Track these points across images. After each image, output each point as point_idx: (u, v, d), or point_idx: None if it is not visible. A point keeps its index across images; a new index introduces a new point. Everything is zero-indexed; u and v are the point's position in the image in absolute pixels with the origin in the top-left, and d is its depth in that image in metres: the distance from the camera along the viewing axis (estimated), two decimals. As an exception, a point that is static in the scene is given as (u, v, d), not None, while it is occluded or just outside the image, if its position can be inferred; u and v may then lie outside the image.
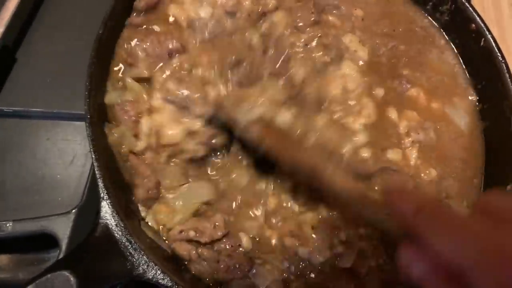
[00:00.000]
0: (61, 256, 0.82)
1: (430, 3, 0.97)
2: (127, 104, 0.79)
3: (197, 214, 0.78)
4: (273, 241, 0.78)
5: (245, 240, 0.77)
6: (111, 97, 0.81)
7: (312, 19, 0.91)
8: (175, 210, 0.77)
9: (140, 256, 0.69)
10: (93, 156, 0.72)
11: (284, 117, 0.77)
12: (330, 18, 0.94)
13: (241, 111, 0.75)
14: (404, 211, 0.54)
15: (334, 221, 0.78)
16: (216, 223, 0.75)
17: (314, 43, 0.89)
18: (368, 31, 0.94)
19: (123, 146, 0.79)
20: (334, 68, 0.88)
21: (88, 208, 0.88)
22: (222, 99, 0.77)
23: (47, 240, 0.85)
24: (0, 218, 0.84)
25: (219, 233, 0.75)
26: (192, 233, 0.75)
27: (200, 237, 0.75)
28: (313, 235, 0.77)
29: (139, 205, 0.79)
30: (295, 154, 0.74)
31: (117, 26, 0.83)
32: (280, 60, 0.84)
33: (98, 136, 0.74)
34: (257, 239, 0.78)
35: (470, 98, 0.92)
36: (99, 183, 0.71)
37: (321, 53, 0.88)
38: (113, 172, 0.77)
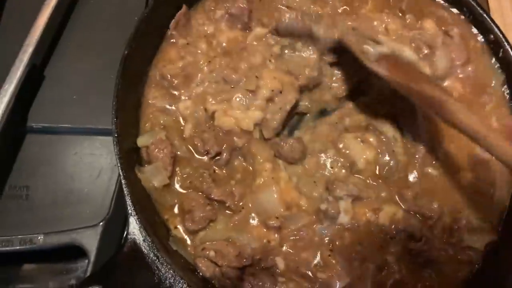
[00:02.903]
0: (89, 266, 0.85)
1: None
2: (161, 143, 0.80)
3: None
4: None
5: (280, 262, 0.78)
6: (143, 139, 0.82)
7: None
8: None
9: (167, 270, 0.71)
10: (121, 174, 0.74)
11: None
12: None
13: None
14: None
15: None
16: (240, 252, 0.76)
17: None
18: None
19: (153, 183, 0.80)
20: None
21: (115, 220, 0.91)
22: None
23: (76, 250, 0.87)
24: (31, 231, 0.86)
25: (235, 263, 0.75)
26: (212, 254, 0.75)
27: (218, 259, 0.75)
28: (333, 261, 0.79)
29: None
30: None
31: (142, 47, 0.85)
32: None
33: (125, 154, 0.76)
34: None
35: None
36: (127, 200, 0.73)
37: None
38: (140, 188, 0.79)
